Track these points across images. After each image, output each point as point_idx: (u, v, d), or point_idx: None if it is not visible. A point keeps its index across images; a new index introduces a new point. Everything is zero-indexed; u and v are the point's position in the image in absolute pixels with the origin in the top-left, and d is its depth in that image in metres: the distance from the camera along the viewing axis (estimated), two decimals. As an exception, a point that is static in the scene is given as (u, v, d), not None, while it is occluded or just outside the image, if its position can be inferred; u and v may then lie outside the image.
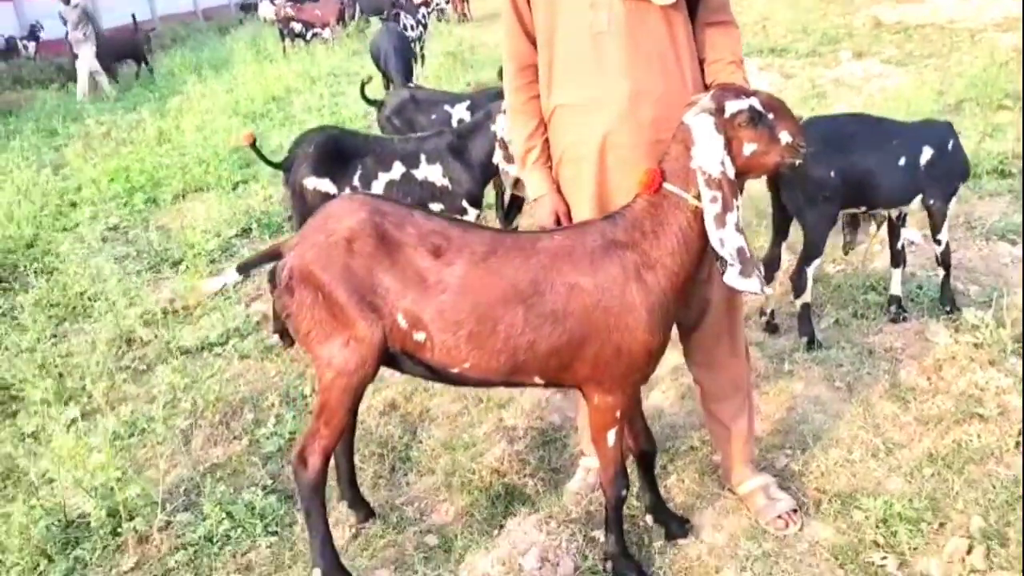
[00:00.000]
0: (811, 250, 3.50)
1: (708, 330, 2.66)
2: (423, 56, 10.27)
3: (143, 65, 14.66)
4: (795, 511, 2.68)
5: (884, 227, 3.83)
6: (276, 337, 4.06)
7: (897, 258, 3.74)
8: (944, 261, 3.68)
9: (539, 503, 2.84)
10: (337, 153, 3.96)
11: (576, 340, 2.24)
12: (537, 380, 2.35)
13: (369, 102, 5.74)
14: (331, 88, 11.91)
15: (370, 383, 2.36)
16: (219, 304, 4.74)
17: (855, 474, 2.85)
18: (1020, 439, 2.84)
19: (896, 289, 3.77)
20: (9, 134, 10.31)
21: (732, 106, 2.16)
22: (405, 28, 9.12)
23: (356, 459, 2.95)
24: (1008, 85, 7.34)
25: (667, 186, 2.23)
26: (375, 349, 2.27)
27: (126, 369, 4.07)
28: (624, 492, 2.45)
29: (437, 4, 12.13)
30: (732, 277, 2.17)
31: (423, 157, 3.98)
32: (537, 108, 2.55)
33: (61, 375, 3.98)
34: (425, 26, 11.74)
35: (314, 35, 15.78)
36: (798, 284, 3.54)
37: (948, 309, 3.68)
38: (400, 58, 8.89)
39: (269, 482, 3.08)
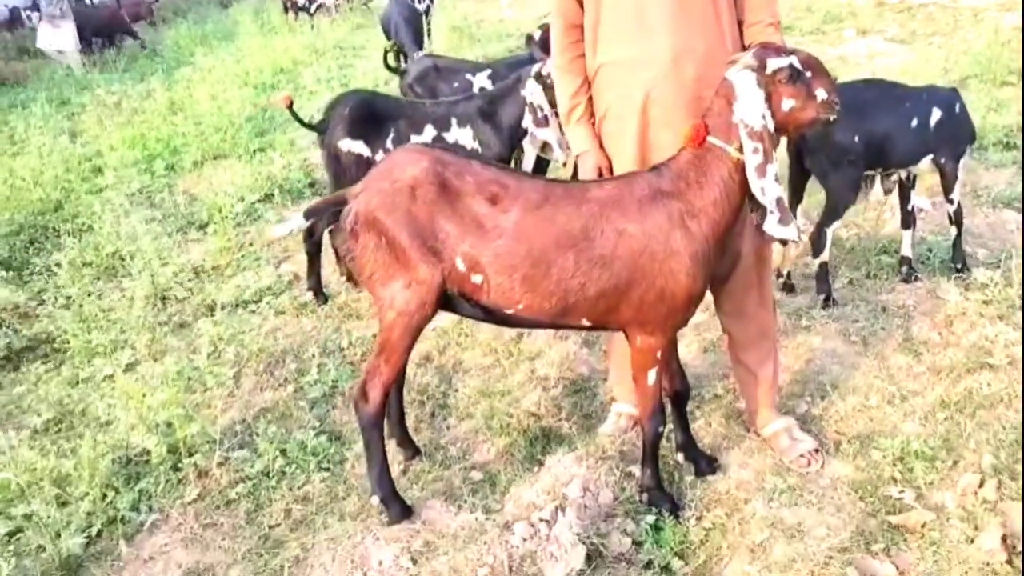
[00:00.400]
0: (833, 212, 3.66)
1: (738, 281, 2.82)
2: (430, 30, 10.35)
3: (133, 39, 14.67)
4: (816, 451, 2.86)
5: (895, 192, 3.99)
6: (310, 294, 4.32)
7: (907, 220, 3.91)
8: (957, 220, 3.85)
9: (575, 443, 3.01)
10: (371, 116, 4.09)
11: (623, 283, 2.40)
12: (584, 322, 2.52)
13: (392, 70, 5.85)
14: (338, 61, 11.98)
15: (428, 323, 2.52)
16: (249, 264, 4.90)
17: (872, 419, 3.03)
18: (1026, 385, 3.03)
19: (907, 250, 3.94)
20: (21, 103, 10.38)
21: (773, 63, 2.31)
22: (414, 0, 9.22)
23: (399, 404, 3.12)
24: (1011, 62, 7.49)
25: (711, 139, 2.38)
26: (434, 291, 2.44)
27: (165, 324, 4.22)
28: (661, 428, 2.63)
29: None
30: (772, 225, 2.34)
31: (454, 120, 4.11)
32: (582, 67, 2.70)
33: (103, 328, 4.12)
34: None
35: (318, 8, 15.77)
36: (818, 244, 3.71)
37: (959, 267, 3.86)
38: (411, 29, 9.00)
39: (317, 424, 3.25)
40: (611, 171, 2.70)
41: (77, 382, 3.69)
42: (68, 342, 4.01)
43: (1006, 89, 7.08)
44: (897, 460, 2.77)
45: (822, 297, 3.76)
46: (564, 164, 4.62)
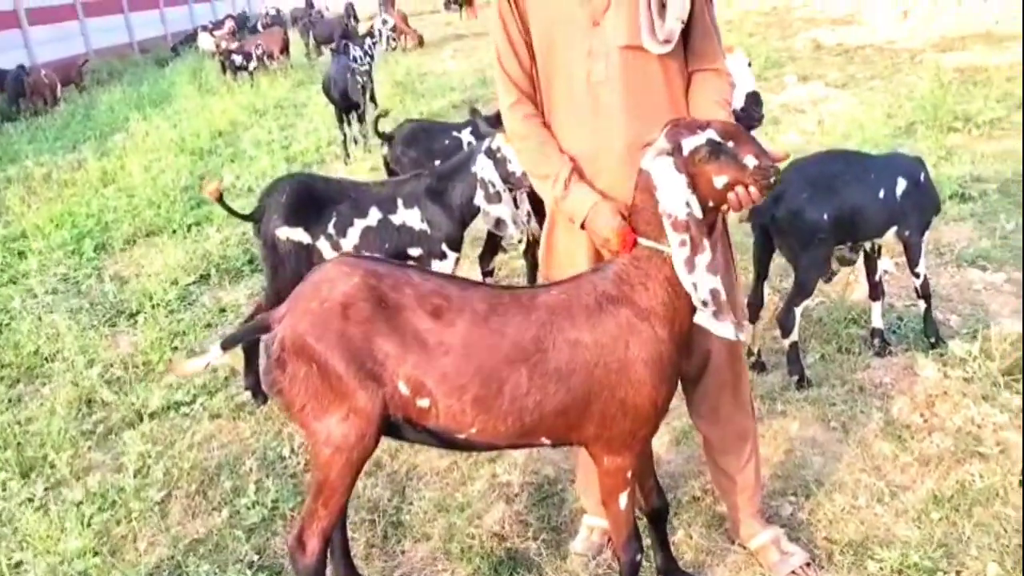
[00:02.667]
0: (802, 291, 3.47)
1: (711, 381, 2.58)
2: (371, 87, 10.16)
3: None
4: (808, 564, 2.62)
5: (859, 261, 3.83)
6: (248, 394, 3.99)
7: (875, 290, 3.75)
8: (924, 293, 3.69)
9: (545, 568, 2.73)
10: (310, 200, 3.81)
11: (581, 398, 2.15)
12: (544, 441, 2.26)
13: (381, 136, 5.59)
14: (279, 121, 11.74)
15: (369, 457, 2.23)
16: (180, 358, 4.55)
17: (863, 521, 2.80)
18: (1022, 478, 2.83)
19: (877, 322, 3.76)
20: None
21: (689, 143, 2.05)
22: (354, 59, 9.04)
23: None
24: (957, 107, 7.52)
25: (642, 241, 2.14)
26: (375, 420, 2.15)
27: (90, 434, 3.85)
28: (639, 556, 2.36)
29: (380, 31, 11.99)
30: (705, 319, 2.09)
31: (400, 201, 3.86)
32: (552, 138, 2.43)
33: (19, 444, 3.74)
34: (372, 56, 11.63)
35: (256, 67, 15.51)
36: (786, 324, 3.51)
37: (933, 341, 3.69)
38: (350, 89, 8.83)
39: (255, 558, 2.91)
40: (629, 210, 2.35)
41: (-15, 514, 3.30)
42: (-21, 462, 3.62)
43: (953, 136, 7.08)
44: (896, 573, 2.53)
45: (795, 378, 3.55)
46: (519, 241, 4.41)
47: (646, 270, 2.12)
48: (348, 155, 9.01)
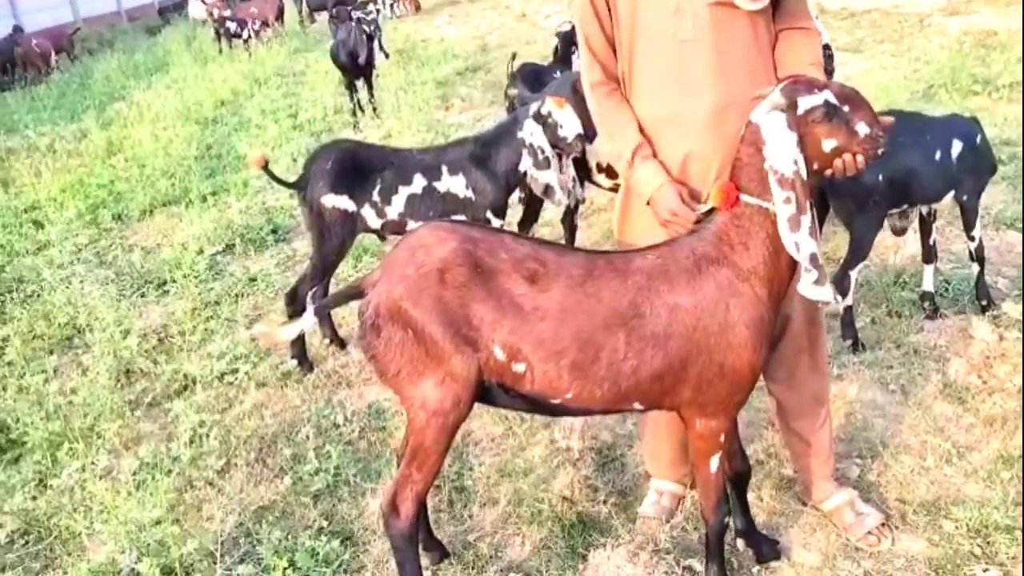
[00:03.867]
0: (858, 254, 3.46)
1: (789, 346, 2.58)
2: (385, 52, 9.99)
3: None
4: (884, 525, 2.63)
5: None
6: (293, 362, 3.97)
7: (929, 254, 3.74)
8: (979, 256, 3.68)
9: (619, 531, 2.73)
10: (354, 168, 3.77)
11: (679, 363, 2.13)
12: (637, 406, 2.25)
13: (511, 78, 5.78)
14: (280, 89, 11.55)
15: (463, 421, 2.22)
16: (218, 327, 4.51)
17: (933, 481, 2.82)
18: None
19: (928, 285, 3.76)
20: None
21: (805, 101, 2.03)
22: (360, 23, 8.90)
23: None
24: (976, 70, 7.49)
25: (744, 198, 2.12)
26: (471, 385, 2.14)
27: (135, 405, 3.82)
28: (727, 519, 2.37)
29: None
30: (806, 286, 2.07)
31: (445, 168, 3.81)
32: (631, 110, 2.40)
33: (66, 415, 3.70)
34: (377, 23, 11.47)
35: (251, 34, 15.26)
36: (842, 286, 3.50)
37: (985, 304, 3.69)
38: (362, 53, 8.70)
39: (325, 523, 2.90)
40: (693, 198, 2.31)
41: (44, 485, 3.27)
42: (27, 434, 3.58)
43: (974, 99, 7.05)
44: (974, 532, 2.55)
45: (849, 342, 3.55)
46: (564, 206, 4.37)
47: (747, 228, 2.10)
48: (357, 123, 8.91)
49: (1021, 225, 4.54)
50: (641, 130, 2.35)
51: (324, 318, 4.10)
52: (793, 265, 2.17)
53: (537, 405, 2.24)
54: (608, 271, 2.16)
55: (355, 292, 2.23)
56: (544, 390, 2.16)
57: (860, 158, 2.06)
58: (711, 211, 2.18)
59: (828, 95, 2.03)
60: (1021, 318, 3.51)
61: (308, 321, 2.25)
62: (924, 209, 3.65)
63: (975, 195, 3.57)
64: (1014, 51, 8.29)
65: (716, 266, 2.13)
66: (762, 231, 2.10)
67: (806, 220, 2.02)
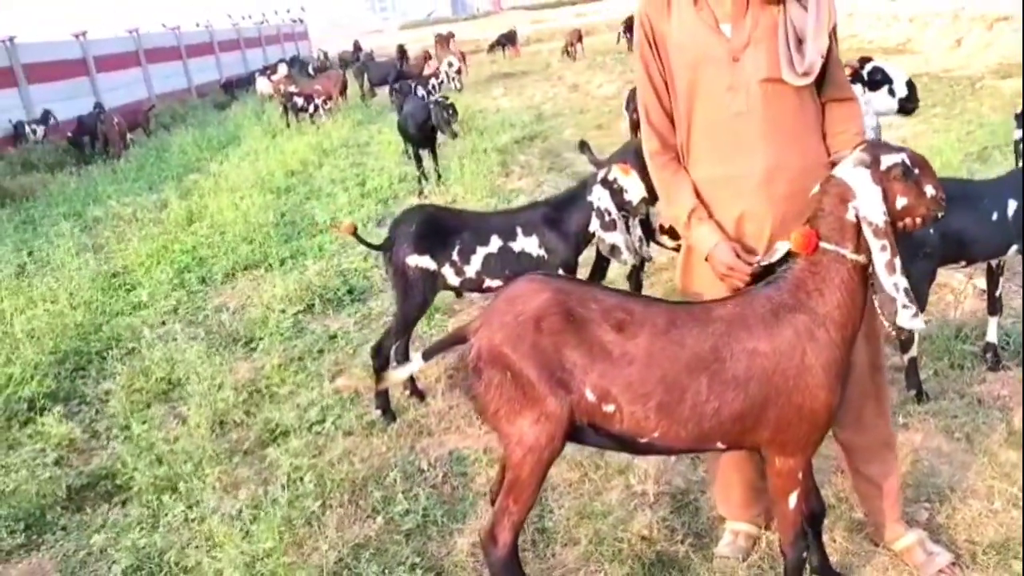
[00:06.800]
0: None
1: (855, 391, 2.72)
2: (454, 131, 10.44)
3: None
4: (954, 564, 2.74)
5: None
6: (377, 412, 4.21)
7: (995, 306, 3.87)
8: (1039, 309, 3.81)
9: (697, 570, 2.88)
10: (436, 230, 4.06)
11: (758, 404, 2.31)
12: (719, 445, 2.42)
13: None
14: (347, 159, 12.10)
15: (557, 457, 2.42)
16: (303, 381, 4.79)
17: (1002, 524, 2.91)
18: None
19: (992, 336, 3.88)
20: (34, 220, 10.37)
21: (888, 159, 2.26)
22: (439, 105, 9.37)
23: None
24: (1029, 133, 7.59)
25: (824, 245, 2.32)
26: (564, 424, 2.34)
27: (231, 452, 4.08)
28: (805, 554, 2.51)
29: (445, 72, 12.39)
30: (906, 319, 2.26)
31: (519, 229, 4.08)
32: (687, 176, 2.65)
33: (167, 461, 3.98)
34: (453, 106, 12.03)
35: (316, 108, 16.00)
36: (905, 340, 3.64)
37: (1046, 356, 3.80)
38: (426, 125, 9.14)
39: (417, 559, 3.09)
40: (747, 252, 2.55)
41: (154, 524, 3.53)
42: (132, 478, 3.86)
43: (1029, 160, 7.14)
44: (1044, 571, 2.65)
45: (913, 392, 3.68)
46: (631, 265, 4.59)
47: (824, 275, 2.30)
48: (422, 191, 9.30)
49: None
50: (698, 194, 2.59)
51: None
52: (863, 312, 2.37)
53: (625, 444, 2.43)
54: (690, 320, 2.37)
55: (459, 338, 2.47)
56: (632, 429, 2.35)
57: (920, 219, 2.28)
58: (781, 260, 2.39)
59: (904, 156, 2.26)
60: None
61: (417, 364, 2.49)
62: (993, 262, 3.79)
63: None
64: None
65: (793, 313, 2.32)
66: (837, 277, 2.30)
67: (899, 263, 2.23)
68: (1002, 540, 2.83)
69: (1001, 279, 3.87)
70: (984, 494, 3.07)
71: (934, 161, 7.10)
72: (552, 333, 2.32)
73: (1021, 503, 2.95)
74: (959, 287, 4.25)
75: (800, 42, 2.44)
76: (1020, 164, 4.44)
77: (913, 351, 3.68)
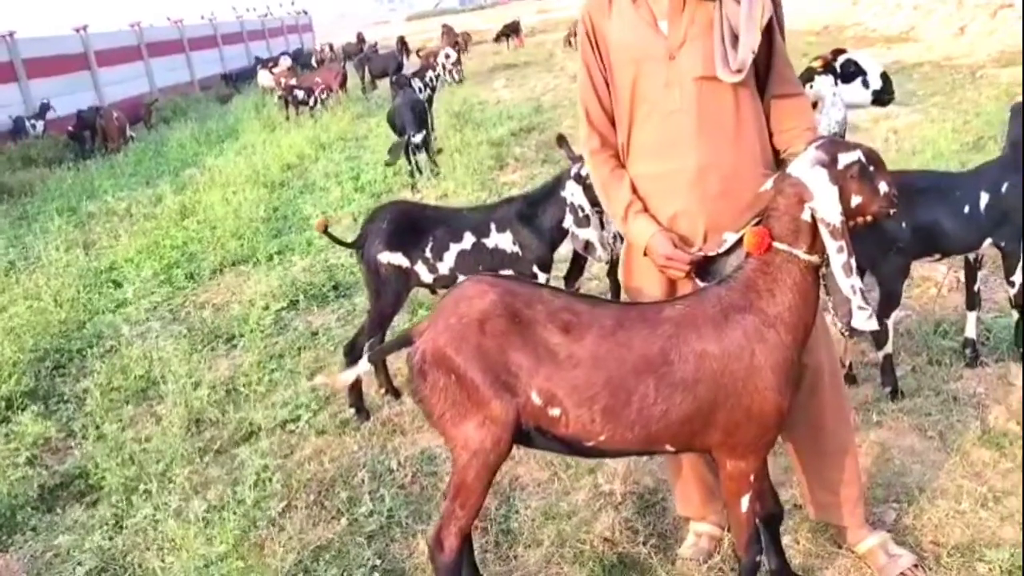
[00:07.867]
0: (889, 301, 3.55)
1: (813, 398, 2.66)
2: (432, 118, 10.44)
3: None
4: (917, 566, 2.69)
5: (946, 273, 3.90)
6: (351, 411, 4.18)
7: (973, 301, 3.80)
8: (1018, 303, 3.73)
9: (658, 571, 2.84)
10: (408, 226, 4.02)
11: (707, 407, 2.27)
12: (668, 448, 2.38)
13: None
14: (344, 153, 12.05)
15: (503, 462, 2.38)
16: (281, 379, 4.77)
17: (968, 525, 2.86)
18: None
19: (971, 332, 3.82)
20: (31, 216, 10.39)
21: (845, 158, 2.20)
22: (417, 91, 9.33)
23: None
24: None
25: (777, 244, 2.27)
26: (509, 427, 2.30)
27: (204, 452, 4.06)
28: (759, 557, 2.47)
29: (443, 65, 12.28)
30: (862, 320, 2.21)
31: (493, 225, 4.04)
32: (625, 173, 2.61)
33: (141, 462, 3.96)
34: (433, 89, 11.96)
35: (317, 102, 15.97)
36: (879, 336, 3.59)
37: (1024, 351, 3.74)
38: (417, 120, 9.10)
39: (378, 562, 3.06)
40: (684, 243, 2.52)
41: (120, 526, 3.51)
42: (104, 478, 3.85)
43: None
44: (1006, 573, 2.59)
45: (888, 389, 3.62)
46: (604, 261, 4.55)
47: (775, 276, 2.25)
48: (416, 184, 9.26)
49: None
50: (636, 190, 2.57)
51: (380, 368, 4.32)
52: (815, 311, 2.32)
53: (572, 447, 2.39)
54: (638, 321, 2.32)
55: (405, 340, 2.43)
56: (578, 433, 2.31)
57: (872, 216, 2.23)
58: (727, 252, 2.34)
59: (860, 154, 2.20)
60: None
61: (363, 367, 2.46)
62: (971, 256, 3.73)
63: (1013, 240, 3.62)
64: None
65: (743, 313, 2.27)
66: (789, 278, 2.25)
67: (855, 264, 2.18)
68: (967, 541, 2.78)
69: (980, 273, 3.80)
70: (953, 494, 3.02)
71: (926, 152, 7.06)
72: (497, 335, 2.28)
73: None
74: (942, 280, 4.18)
75: (735, 39, 2.39)
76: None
77: (888, 347, 3.62)
